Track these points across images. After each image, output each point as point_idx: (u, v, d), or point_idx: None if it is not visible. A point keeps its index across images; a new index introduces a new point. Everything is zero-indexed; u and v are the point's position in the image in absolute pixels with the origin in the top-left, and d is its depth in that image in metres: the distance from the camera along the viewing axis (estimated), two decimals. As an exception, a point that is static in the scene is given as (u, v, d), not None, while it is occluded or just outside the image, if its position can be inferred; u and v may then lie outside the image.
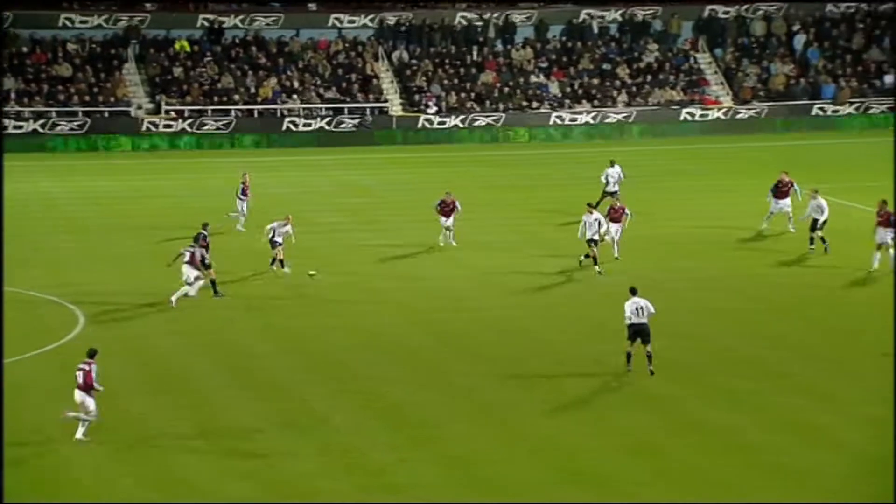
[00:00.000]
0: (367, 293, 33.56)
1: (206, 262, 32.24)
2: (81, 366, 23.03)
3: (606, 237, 35.37)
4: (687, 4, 69.21)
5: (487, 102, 63.89)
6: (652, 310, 25.97)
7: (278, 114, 61.85)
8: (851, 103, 64.25)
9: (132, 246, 38.89)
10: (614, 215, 35.92)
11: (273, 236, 34.34)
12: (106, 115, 60.20)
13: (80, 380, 22.87)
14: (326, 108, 62.42)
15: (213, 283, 32.42)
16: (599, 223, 34.48)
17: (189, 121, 60.47)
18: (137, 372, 26.94)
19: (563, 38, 67.70)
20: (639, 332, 25.95)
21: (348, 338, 29.55)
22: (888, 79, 65.72)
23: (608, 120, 63.32)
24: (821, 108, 64.07)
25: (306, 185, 50.69)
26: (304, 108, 62.23)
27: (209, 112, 61.06)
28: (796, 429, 23.19)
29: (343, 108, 62.61)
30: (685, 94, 65.03)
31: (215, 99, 61.67)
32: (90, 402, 22.77)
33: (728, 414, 24.04)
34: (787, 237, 39.06)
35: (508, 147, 60.67)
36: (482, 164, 56.02)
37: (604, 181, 42.60)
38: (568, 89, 65.01)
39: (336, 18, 66.34)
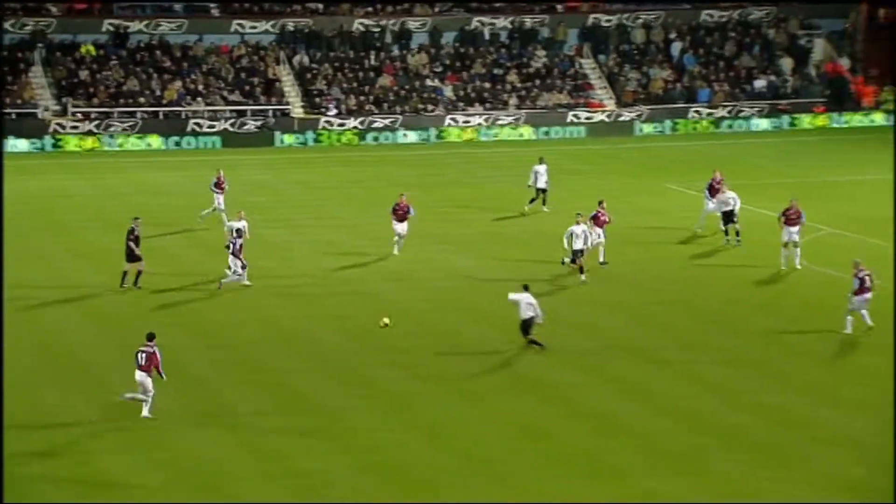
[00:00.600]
0: (275, 288, 33.08)
1: (136, 253, 32.02)
2: (143, 349, 23.20)
3: (590, 244, 33.55)
4: (572, 13, 69.65)
5: (385, 105, 63.59)
6: (539, 311, 26.76)
7: (183, 115, 60.90)
8: (724, 106, 65.19)
9: (50, 243, 37.98)
10: (598, 221, 34.50)
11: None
12: (13, 116, 58.68)
13: (143, 362, 23.09)
14: (230, 110, 61.65)
15: (138, 274, 32.23)
16: (587, 234, 33.00)
17: (96, 122, 59.23)
18: (46, 363, 26.24)
19: (457, 45, 67.66)
20: (526, 325, 26.74)
21: (257, 331, 29.10)
22: (758, 83, 66.84)
23: (500, 122, 63.43)
24: (696, 111, 64.89)
25: (210, 184, 49.74)
26: (208, 111, 61.35)
27: (115, 114, 59.86)
28: (683, 415, 23.33)
29: (246, 110, 61.85)
30: (571, 98, 65.40)
31: (121, 101, 60.51)
32: (149, 383, 23.04)
33: (617, 400, 24.11)
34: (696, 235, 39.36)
35: (404, 147, 60.44)
36: (381, 163, 55.72)
37: (532, 179, 42.49)
38: (461, 93, 64.98)
39: (238, 24, 65.54)
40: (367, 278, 34.16)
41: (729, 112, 64.97)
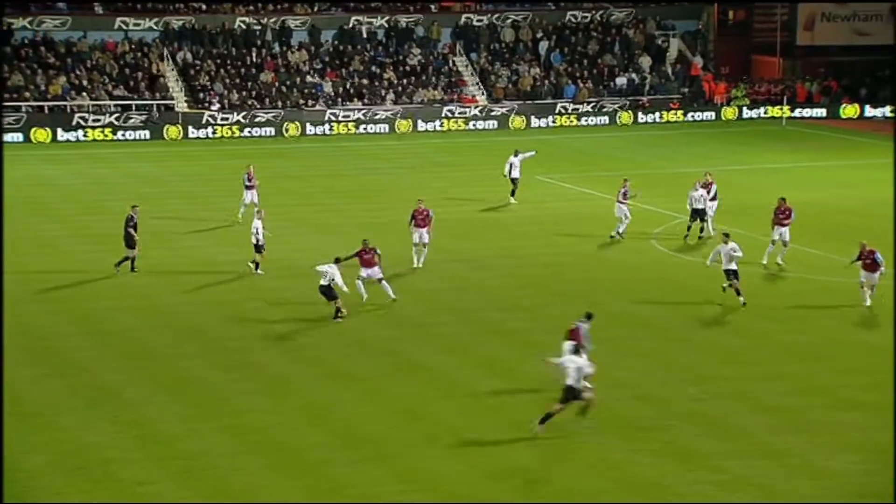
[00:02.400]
0: (162, 276, 32.45)
1: (135, 240, 32.30)
2: None
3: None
4: (445, 13, 69.73)
5: (267, 100, 62.89)
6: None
7: (68, 110, 59.34)
8: (589, 102, 65.98)
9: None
10: (779, 218, 32.66)
11: (258, 235, 31.75)
12: None
13: None
14: (115, 105, 60.29)
15: (132, 260, 32.50)
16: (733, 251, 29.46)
17: (-19, 116, 57.41)
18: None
19: (336, 42, 67.21)
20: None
21: (142, 318, 28.51)
22: (619, 81, 67.79)
23: (377, 116, 63.23)
24: (563, 107, 65.53)
25: (97, 176, 48.73)
26: (93, 105, 59.88)
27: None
28: (547, 391, 23.53)
29: (131, 104, 60.56)
30: (446, 94, 65.49)
31: (6, 96, 58.66)
32: None
33: (488, 379, 24.22)
34: (573, 224, 39.66)
35: (286, 140, 59.88)
36: (264, 156, 55.11)
37: (507, 169, 42.16)
38: (341, 89, 64.59)
39: (122, 21, 64.12)
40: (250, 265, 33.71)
41: (593, 107, 65.77)
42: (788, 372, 24.48)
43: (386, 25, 68.22)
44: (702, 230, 36.51)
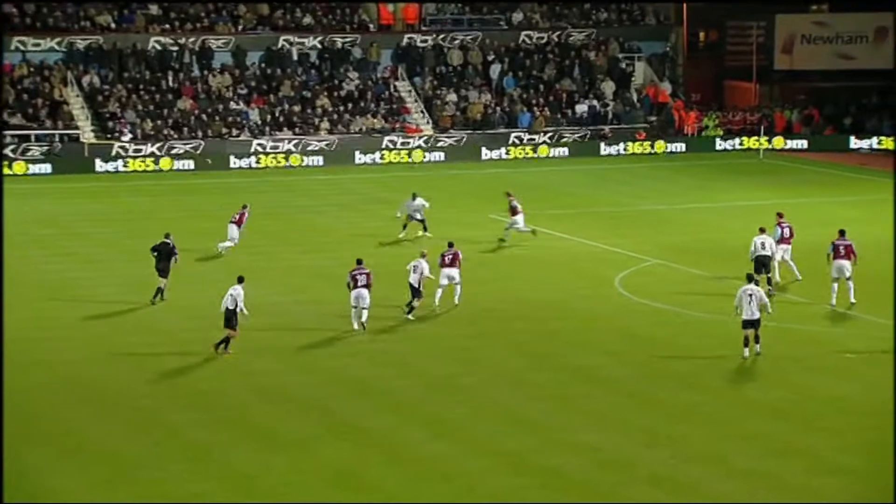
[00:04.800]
0: (60, 329, 32.41)
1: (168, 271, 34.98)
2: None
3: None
4: (385, 33, 70.40)
5: (185, 130, 63.03)
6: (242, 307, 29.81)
7: (-41, 140, 59.11)
8: (546, 132, 66.76)
9: None
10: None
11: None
12: None
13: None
14: (11, 136, 60.12)
15: (162, 290, 34.93)
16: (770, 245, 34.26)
17: None
18: None
19: (263, 65, 67.62)
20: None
21: (40, 376, 28.43)
22: (579, 108, 68.67)
23: (310, 147, 63.57)
24: (518, 137, 66.27)
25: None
26: (-13, 135, 59.71)
27: None
28: (502, 455, 23.82)
29: (30, 134, 60.43)
30: (386, 122, 66.04)
31: None
32: None
33: (435, 441, 24.48)
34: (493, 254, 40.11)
35: (207, 175, 59.97)
36: (181, 192, 55.17)
37: (403, 212, 43.33)
38: (269, 117, 64.92)
39: (20, 42, 64.10)
40: (162, 315, 33.77)
41: (550, 138, 66.56)
42: (761, 431, 24.96)
43: (319, 46, 68.76)
44: (769, 281, 35.13)
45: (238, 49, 67.45)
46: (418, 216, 43.47)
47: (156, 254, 35.23)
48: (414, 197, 43.61)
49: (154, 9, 67.61)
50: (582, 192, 55.13)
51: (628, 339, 31.56)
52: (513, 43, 71.33)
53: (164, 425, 25.39)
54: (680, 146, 67.09)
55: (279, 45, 68.19)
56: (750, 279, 30.29)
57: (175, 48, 66.54)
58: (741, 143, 67.40)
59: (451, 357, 30.15)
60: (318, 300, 35.38)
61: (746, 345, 29.91)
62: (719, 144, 67.48)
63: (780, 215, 37.15)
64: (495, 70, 69.87)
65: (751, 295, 29.66)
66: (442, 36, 70.57)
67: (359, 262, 32.35)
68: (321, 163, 62.73)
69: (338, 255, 41.44)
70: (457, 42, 70.74)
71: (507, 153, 65.09)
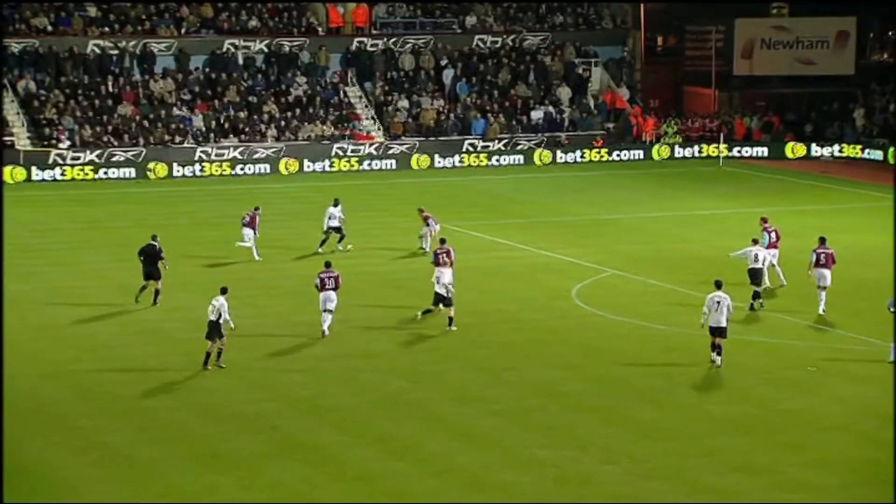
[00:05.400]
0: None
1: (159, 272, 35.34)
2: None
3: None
4: (334, 36, 70.25)
5: (126, 136, 62.59)
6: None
7: None
8: (500, 139, 66.82)
9: None
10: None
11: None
12: None
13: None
14: (-56, 142, 59.52)
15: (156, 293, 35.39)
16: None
17: None
18: None
19: (207, 70, 67.26)
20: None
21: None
22: (535, 114, 68.81)
23: (257, 155, 63.28)
24: (471, 144, 66.28)
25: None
26: (-82, 142, 59.04)
27: None
28: (456, 472, 23.73)
29: (-37, 141, 59.83)
30: (336, 129, 65.86)
31: None
32: None
33: (384, 459, 24.36)
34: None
35: (149, 183, 59.57)
36: (122, 201, 54.77)
37: (326, 221, 42.74)
38: (213, 123, 64.58)
39: (-49, 45, 63.47)
40: (110, 331, 33.45)
41: (505, 145, 66.64)
42: (722, 447, 25.00)
43: (265, 50, 68.49)
44: (757, 295, 35.37)
45: (181, 53, 67.06)
46: (334, 223, 42.55)
47: (142, 257, 35.58)
48: (336, 203, 43.01)
49: (93, 11, 67.12)
50: (537, 201, 55.20)
51: (586, 352, 31.56)
52: (466, 47, 71.38)
53: (104, 445, 25.09)
54: (638, 153, 67.35)
55: (224, 49, 67.85)
56: (719, 286, 30.43)
57: (115, 52, 66.04)
58: (700, 151, 67.75)
59: (401, 372, 30.01)
60: (264, 314, 35.15)
61: (714, 349, 30.11)
62: (678, 152, 67.81)
63: (764, 220, 37.77)
64: (448, 75, 69.89)
65: (718, 302, 29.87)
66: (393, 40, 70.50)
67: (327, 264, 33.01)
68: (268, 171, 62.46)
69: (284, 266, 41.27)
70: (408, 46, 70.70)
71: (460, 161, 65.08)
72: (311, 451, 24.74)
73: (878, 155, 65.86)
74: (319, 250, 42.39)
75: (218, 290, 30.58)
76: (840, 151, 67.28)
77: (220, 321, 29.75)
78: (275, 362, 30.57)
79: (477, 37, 71.79)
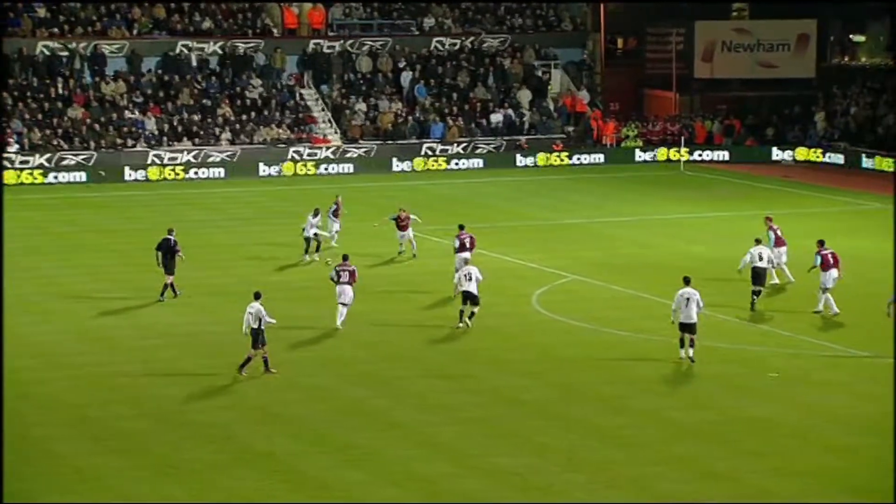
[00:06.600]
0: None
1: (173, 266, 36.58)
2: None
3: None
4: (290, 38, 70.16)
5: (77, 140, 62.25)
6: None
7: None
8: (459, 143, 66.95)
9: None
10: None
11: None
12: None
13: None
14: None
15: (172, 286, 36.72)
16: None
17: None
18: None
19: (159, 72, 67.02)
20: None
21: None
22: (495, 117, 68.97)
23: (211, 159, 63.09)
24: (430, 148, 66.36)
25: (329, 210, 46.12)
26: None
27: None
28: (414, 481, 23.78)
29: None
30: (292, 132, 65.78)
31: None
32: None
33: (343, 468, 24.39)
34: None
35: (100, 188, 59.27)
36: (72, 206, 54.47)
37: (306, 229, 42.62)
38: (166, 126, 64.35)
39: None
40: (59, 338, 33.29)
41: (464, 149, 66.76)
42: (683, 455, 25.17)
43: (220, 52, 68.33)
44: (757, 294, 35.84)
45: (133, 55, 66.77)
46: (312, 232, 42.44)
47: (159, 252, 36.57)
48: (316, 213, 42.90)
49: (42, 11, 66.71)
50: (497, 205, 55.33)
51: (547, 359, 31.68)
52: (424, 49, 71.48)
53: (53, 454, 24.96)
54: (598, 157, 67.64)
55: (177, 51, 67.62)
56: (687, 282, 30.77)
57: (65, 53, 65.68)
58: (661, 155, 68.12)
59: (359, 379, 30.03)
60: (218, 321, 35.06)
61: (682, 346, 30.64)
62: (639, 156, 68.16)
63: (769, 219, 38.58)
64: (406, 78, 69.94)
65: (688, 298, 30.30)
66: (350, 42, 70.49)
67: (345, 257, 34.44)
68: (222, 175, 62.29)
69: (239, 272, 41.19)
70: (366, 48, 70.70)
71: (419, 165, 65.14)
72: (267, 461, 24.71)
73: (839, 159, 66.44)
74: (306, 258, 42.22)
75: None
76: (801, 155, 67.81)
77: (262, 327, 29.58)
78: (229, 372, 30.46)
79: (435, 39, 71.88)
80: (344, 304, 33.59)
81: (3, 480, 19.42)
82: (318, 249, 42.65)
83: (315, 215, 42.73)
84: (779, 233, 38.30)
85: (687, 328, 30.60)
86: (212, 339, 33.18)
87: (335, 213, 44.52)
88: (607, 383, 29.75)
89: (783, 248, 38.31)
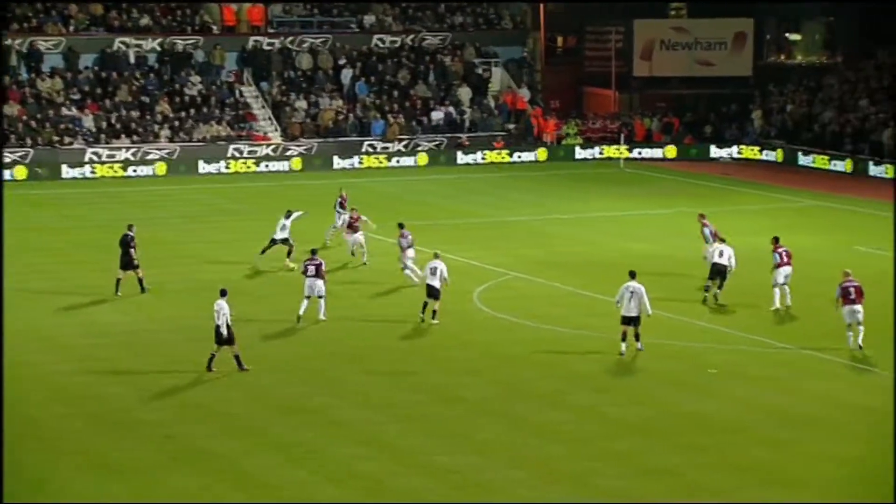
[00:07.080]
0: None
1: (135, 262, 36.70)
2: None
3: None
4: (230, 35, 69.90)
5: (13, 137, 61.70)
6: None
7: None
8: (400, 140, 67.01)
9: None
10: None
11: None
12: None
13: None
14: None
15: (139, 280, 36.90)
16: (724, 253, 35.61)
17: None
18: None
19: (97, 68, 66.57)
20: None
21: None
22: (435, 115, 69.10)
23: (150, 156, 62.75)
24: (371, 145, 66.38)
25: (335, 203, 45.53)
26: None
27: None
28: (358, 479, 23.87)
29: None
30: (232, 130, 65.54)
31: None
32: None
33: (285, 467, 24.42)
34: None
35: (37, 185, 58.79)
36: (8, 203, 53.93)
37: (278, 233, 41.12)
38: (104, 124, 63.92)
39: None
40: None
41: (405, 146, 66.84)
42: (624, 450, 25.41)
43: (158, 49, 67.97)
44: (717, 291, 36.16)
45: (70, 51, 66.26)
46: (283, 235, 40.72)
47: (122, 248, 36.89)
48: (288, 214, 41.21)
49: (-23, 7, 66.11)
50: (437, 203, 55.47)
51: (487, 356, 31.84)
52: (365, 47, 71.46)
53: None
54: (539, 155, 67.90)
55: (115, 48, 67.18)
56: (633, 276, 31.12)
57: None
58: (601, 153, 68.54)
59: (300, 378, 30.04)
60: (159, 318, 34.95)
61: (624, 340, 31.06)
62: (579, 153, 68.54)
63: (776, 240, 36.29)
64: (347, 75, 69.90)
65: (632, 292, 30.68)
66: (290, 39, 70.34)
67: (313, 252, 35.00)
68: (162, 172, 61.96)
69: (179, 270, 41.02)
70: (306, 45, 70.58)
71: (360, 162, 65.14)
72: (209, 460, 24.68)
73: (774, 156, 67.20)
74: (262, 255, 41.39)
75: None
76: (739, 153, 68.50)
77: (229, 323, 29.66)
78: (170, 371, 30.37)
79: (376, 36, 71.90)
80: (315, 297, 34.14)
81: (2, 480, 19.37)
82: (289, 255, 40.83)
83: (287, 216, 41.07)
84: (784, 256, 36.00)
85: (629, 321, 30.96)
86: (150, 338, 33.05)
87: (342, 206, 44.49)
88: (548, 379, 29.97)
89: (789, 269, 35.73)
